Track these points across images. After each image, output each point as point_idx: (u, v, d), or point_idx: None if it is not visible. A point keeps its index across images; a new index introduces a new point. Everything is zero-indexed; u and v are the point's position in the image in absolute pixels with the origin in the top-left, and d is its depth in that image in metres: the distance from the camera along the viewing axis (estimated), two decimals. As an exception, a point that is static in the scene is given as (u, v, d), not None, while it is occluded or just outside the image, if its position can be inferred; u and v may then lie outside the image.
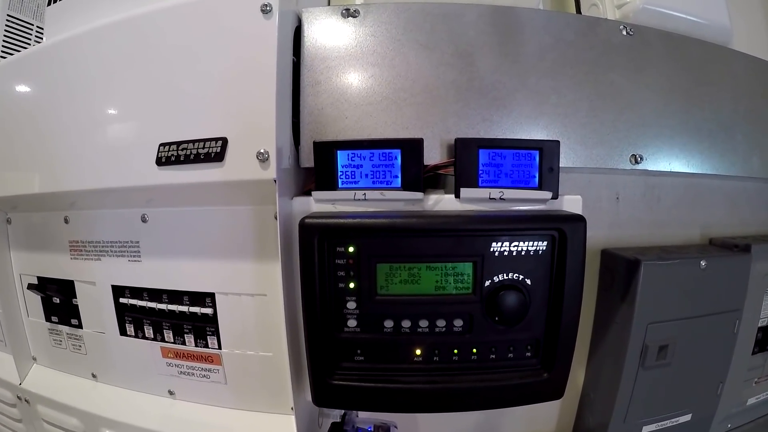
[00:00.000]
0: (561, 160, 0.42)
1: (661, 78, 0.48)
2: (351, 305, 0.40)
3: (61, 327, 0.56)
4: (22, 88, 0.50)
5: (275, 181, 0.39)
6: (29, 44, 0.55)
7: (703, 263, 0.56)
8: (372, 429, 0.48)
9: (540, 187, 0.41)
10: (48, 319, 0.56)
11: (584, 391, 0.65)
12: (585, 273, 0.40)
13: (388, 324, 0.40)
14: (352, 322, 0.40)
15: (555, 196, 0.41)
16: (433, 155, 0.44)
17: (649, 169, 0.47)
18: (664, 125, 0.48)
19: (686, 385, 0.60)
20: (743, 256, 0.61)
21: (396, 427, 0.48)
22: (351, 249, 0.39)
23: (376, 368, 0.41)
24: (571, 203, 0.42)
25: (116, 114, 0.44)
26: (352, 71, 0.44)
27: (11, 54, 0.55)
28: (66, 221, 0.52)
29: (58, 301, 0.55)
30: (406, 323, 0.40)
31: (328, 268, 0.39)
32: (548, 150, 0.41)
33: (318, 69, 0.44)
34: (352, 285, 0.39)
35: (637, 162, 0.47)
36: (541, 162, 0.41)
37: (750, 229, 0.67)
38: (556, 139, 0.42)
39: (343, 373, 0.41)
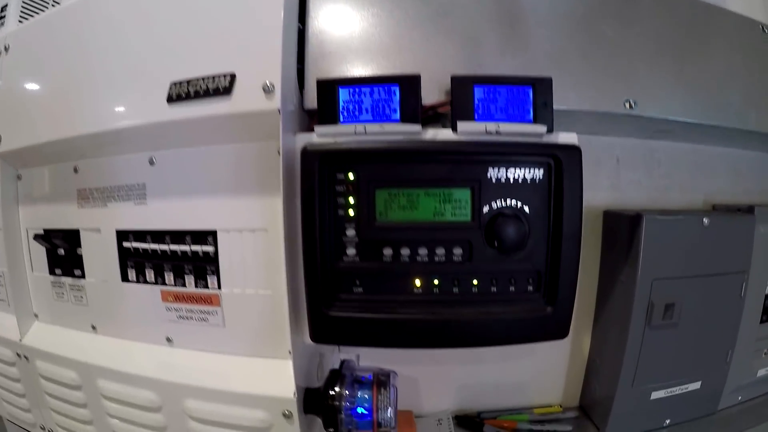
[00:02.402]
0: (554, 101, 0.43)
1: (651, 32, 0.50)
2: (350, 232, 0.40)
3: (64, 279, 0.55)
4: (39, 45, 0.53)
5: (279, 111, 0.40)
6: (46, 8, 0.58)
7: (705, 221, 0.56)
8: (372, 377, 0.47)
9: (535, 122, 0.42)
10: (52, 272, 0.56)
11: (590, 358, 0.63)
12: (587, 237, 0.40)
13: (387, 252, 0.40)
14: (350, 251, 0.40)
15: (550, 130, 0.41)
16: (431, 98, 0.45)
17: (644, 115, 0.48)
18: (657, 75, 0.49)
19: (694, 350, 0.58)
20: (747, 217, 0.60)
21: (396, 374, 0.47)
22: (351, 176, 0.39)
23: (375, 300, 0.40)
24: (566, 139, 0.42)
25: (128, 57, 0.46)
26: (355, 19, 0.46)
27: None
28: (75, 171, 0.52)
29: (63, 252, 0.55)
30: (405, 251, 0.40)
31: (328, 195, 0.39)
32: (541, 86, 0.41)
33: (322, 15, 0.46)
34: (351, 212, 0.39)
35: (631, 107, 0.48)
36: (535, 97, 0.42)
37: (754, 199, 0.67)
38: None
39: (341, 305, 0.40)
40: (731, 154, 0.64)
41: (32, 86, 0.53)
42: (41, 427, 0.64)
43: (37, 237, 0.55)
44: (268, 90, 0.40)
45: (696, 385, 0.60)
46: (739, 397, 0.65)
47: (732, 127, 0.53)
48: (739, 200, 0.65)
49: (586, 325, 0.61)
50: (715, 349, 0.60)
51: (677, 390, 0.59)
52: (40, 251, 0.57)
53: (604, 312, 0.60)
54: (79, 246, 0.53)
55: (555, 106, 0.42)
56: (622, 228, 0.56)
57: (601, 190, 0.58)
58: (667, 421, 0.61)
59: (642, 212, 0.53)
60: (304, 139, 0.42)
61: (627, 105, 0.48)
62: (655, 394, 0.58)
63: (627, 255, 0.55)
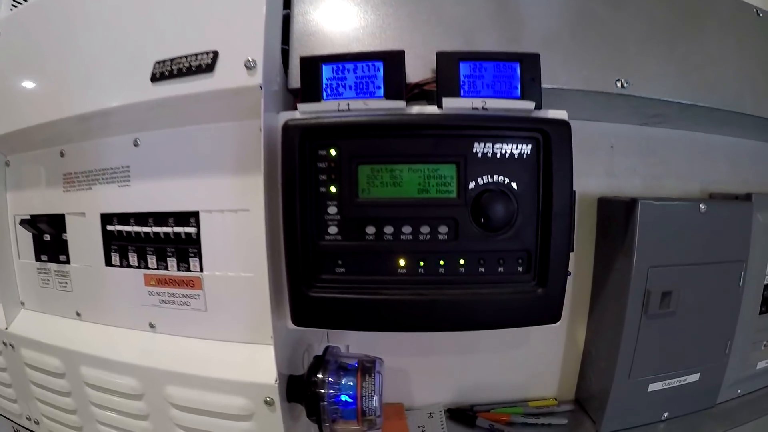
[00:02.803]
0: (544, 80, 0.41)
1: (643, 12, 0.48)
2: (332, 210, 0.38)
3: (49, 265, 0.54)
4: (23, 30, 0.52)
5: (261, 87, 0.39)
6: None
7: (702, 207, 0.54)
8: (357, 364, 0.45)
9: (523, 98, 0.40)
10: (38, 258, 0.55)
11: (586, 350, 0.61)
12: (581, 225, 0.39)
13: (370, 230, 0.38)
14: (332, 229, 0.38)
15: (539, 107, 0.40)
16: (417, 77, 0.44)
17: (637, 95, 0.46)
18: (649, 54, 0.47)
19: (692, 341, 0.56)
20: (744, 204, 0.58)
21: (382, 360, 0.45)
22: (332, 151, 0.38)
23: (358, 280, 0.38)
24: (555, 116, 0.41)
25: (113, 39, 0.45)
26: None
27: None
28: (62, 155, 0.52)
29: (49, 237, 0.54)
30: (388, 229, 0.38)
31: (309, 171, 0.38)
32: (529, 61, 0.40)
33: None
34: (333, 189, 0.38)
35: (623, 87, 0.46)
36: (523, 73, 0.40)
37: (752, 190, 0.65)
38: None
39: (323, 286, 0.38)
40: (729, 143, 0.63)
41: (18, 71, 0.52)
42: (27, 418, 0.62)
43: (23, 222, 0.54)
44: (250, 66, 0.39)
45: (695, 377, 0.58)
46: (739, 391, 0.63)
47: (727, 110, 0.51)
48: (737, 190, 0.63)
49: (581, 316, 0.59)
50: (714, 340, 0.58)
51: (675, 382, 0.57)
52: (26, 237, 0.56)
53: (600, 302, 0.58)
54: (65, 231, 0.52)
55: (545, 85, 0.40)
56: (617, 214, 0.54)
57: (595, 177, 0.57)
58: (665, 415, 0.59)
59: (637, 198, 0.51)
60: (286, 117, 0.41)
61: (619, 84, 0.46)
62: (653, 387, 0.56)
63: (622, 242, 0.53)
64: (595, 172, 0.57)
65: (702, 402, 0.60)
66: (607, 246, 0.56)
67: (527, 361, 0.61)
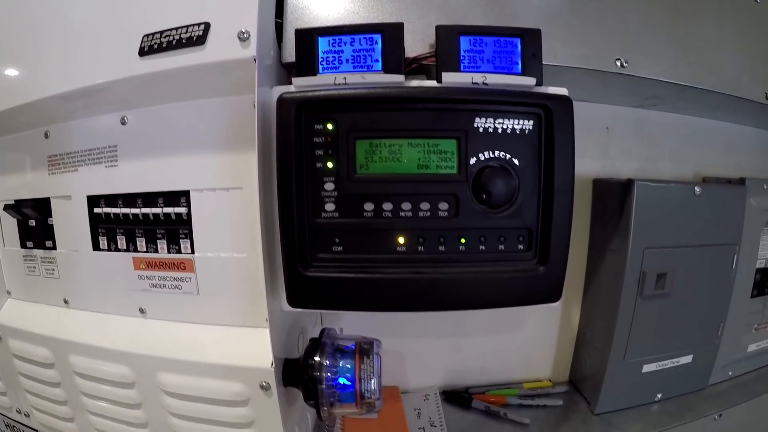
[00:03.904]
0: (545, 57, 0.39)
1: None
2: (329, 187, 0.35)
3: (35, 251, 0.51)
4: (4, 5, 0.48)
5: (255, 59, 0.36)
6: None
7: (697, 189, 0.53)
8: (354, 346, 0.43)
9: (523, 74, 0.38)
10: (23, 245, 0.51)
11: (580, 331, 0.60)
12: (576, 205, 0.37)
13: (369, 207, 0.36)
14: (329, 206, 0.36)
15: (539, 83, 0.38)
16: (415, 50, 0.42)
17: (636, 74, 0.45)
18: (649, 35, 0.46)
19: (686, 322, 0.55)
20: (738, 188, 0.57)
21: (380, 342, 0.43)
22: (329, 126, 0.35)
23: (356, 259, 0.36)
24: (557, 92, 0.39)
25: (99, 12, 0.42)
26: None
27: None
28: (46, 136, 0.48)
29: (34, 223, 0.51)
30: (387, 206, 0.35)
31: (305, 147, 0.35)
32: (530, 37, 0.37)
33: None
34: (330, 164, 0.35)
35: (622, 66, 0.45)
36: (524, 49, 0.38)
37: (745, 175, 0.64)
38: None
39: (319, 265, 0.36)
40: (723, 128, 0.62)
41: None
42: (17, 411, 0.59)
43: (6, 207, 0.50)
44: (243, 38, 0.36)
45: (688, 359, 0.57)
46: (730, 373, 0.63)
47: (724, 93, 0.50)
48: (730, 174, 0.62)
49: (576, 297, 0.58)
50: (707, 322, 0.57)
51: (669, 363, 0.56)
52: (11, 224, 0.53)
53: (594, 283, 0.57)
54: (51, 216, 0.49)
55: (544, 61, 0.39)
56: (613, 195, 0.52)
57: (590, 159, 0.55)
58: (659, 396, 0.58)
59: (634, 179, 0.50)
60: (281, 91, 0.39)
61: (618, 63, 0.44)
62: (647, 368, 0.55)
63: (618, 223, 0.52)
64: (590, 154, 0.55)
65: (694, 383, 0.59)
66: (602, 227, 0.55)
67: (521, 343, 0.60)
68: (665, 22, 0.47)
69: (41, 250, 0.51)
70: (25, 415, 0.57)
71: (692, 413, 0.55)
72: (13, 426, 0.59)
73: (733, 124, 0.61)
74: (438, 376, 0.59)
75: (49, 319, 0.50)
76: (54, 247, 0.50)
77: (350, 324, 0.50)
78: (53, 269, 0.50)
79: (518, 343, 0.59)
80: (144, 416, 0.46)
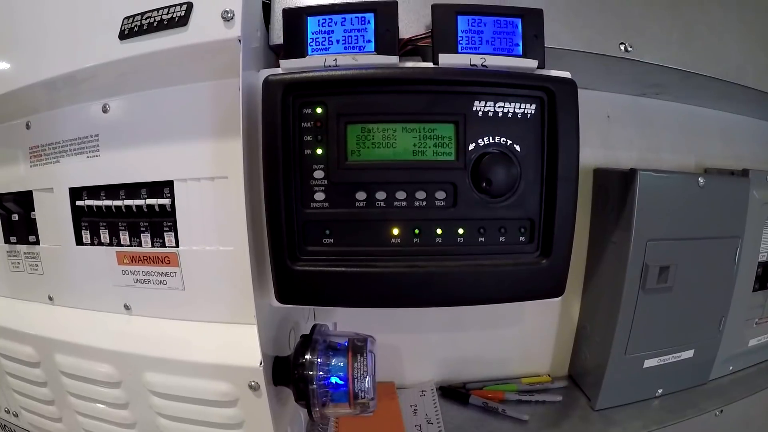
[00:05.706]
0: (547, 40, 0.36)
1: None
2: (318, 174, 0.32)
3: (19, 247, 0.47)
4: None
5: (239, 40, 0.33)
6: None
7: (701, 180, 0.49)
8: (347, 343, 0.40)
9: (525, 56, 0.35)
10: (7, 240, 0.48)
11: (580, 325, 0.56)
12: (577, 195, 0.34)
13: (361, 196, 0.32)
14: (319, 195, 0.32)
15: (542, 66, 0.34)
16: (409, 31, 0.38)
17: (640, 59, 0.41)
18: (653, 19, 0.42)
19: (688, 316, 0.52)
20: (741, 180, 0.54)
21: (374, 339, 0.40)
22: (319, 110, 0.32)
23: (348, 252, 0.32)
24: (560, 75, 0.35)
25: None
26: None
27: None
28: (28, 127, 0.44)
29: (17, 217, 0.47)
30: (380, 195, 0.32)
31: (293, 132, 0.32)
32: (531, 17, 0.34)
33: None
34: (319, 151, 0.32)
35: (626, 51, 0.41)
36: (525, 30, 0.34)
37: (746, 165, 0.61)
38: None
39: (309, 258, 0.33)
40: (725, 118, 0.58)
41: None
42: (6, 410, 0.55)
43: (-13, 201, 0.47)
44: (227, 18, 0.33)
45: (689, 354, 0.54)
46: (731, 367, 0.59)
47: (728, 81, 0.47)
48: (731, 165, 0.59)
49: (576, 290, 0.55)
50: (709, 316, 0.54)
51: (670, 358, 0.53)
52: (-5, 219, 0.49)
53: (595, 276, 0.54)
54: (33, 209, 0.46)
55: (547, 44, 0.35)
56: (615, 185, 0.49)
57: (591, 148, 0.52)
58: (659, 391, 0.55)
59: (637, 169, 0.47)
60: (267, 73, 0.35)
61: (623, 48, 0.41)
62: (648, 363, 0.52)
63: (620, 214, 0.48)
64: (591, 143, 0.52)
65: (695, 378, 0.56)
66: (603, 218, 0.52)
67: (520, 337, 0.57)
68: (669, 5, 0.44)
69: (25, 246, 0.47)
70: (14, 415, 0.54)
71: (694, 409, 0.52)
72: (4, 425, 0.56)
73: (736, 114, 0.58)
74: (435, 371, 0.56)
75: (34, 316, 0.47)
76: (37, 242, 0.46)
77: (345, 318, 0.47)
78: (37, 265, 0.47)
79: (517, 337, 0.56)
80: (131, 416, 0.42)
